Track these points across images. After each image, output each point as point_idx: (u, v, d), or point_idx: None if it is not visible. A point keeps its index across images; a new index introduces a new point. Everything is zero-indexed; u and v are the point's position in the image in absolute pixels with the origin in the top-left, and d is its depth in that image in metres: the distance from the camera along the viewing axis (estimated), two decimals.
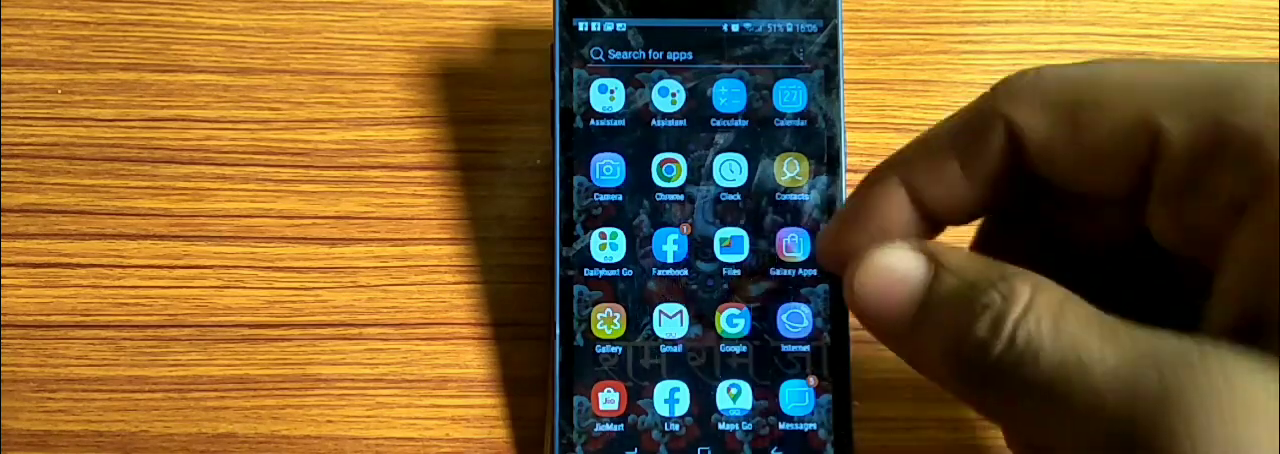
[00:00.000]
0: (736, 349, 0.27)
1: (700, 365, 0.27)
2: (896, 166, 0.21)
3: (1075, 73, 0.18)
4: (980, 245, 0.22)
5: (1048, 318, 0.16)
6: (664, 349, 0.27)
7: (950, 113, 0.21)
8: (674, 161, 0.28)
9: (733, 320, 0.28)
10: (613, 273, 0.28)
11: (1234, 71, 0.16)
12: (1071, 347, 0.16)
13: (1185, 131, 0.16)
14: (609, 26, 0.28)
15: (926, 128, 0.22)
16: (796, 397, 0.27)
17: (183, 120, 0.32)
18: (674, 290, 0.28)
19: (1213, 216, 0.17)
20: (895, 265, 0.18)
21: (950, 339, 0.17)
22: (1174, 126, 0.16)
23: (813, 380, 0.27)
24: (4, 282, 0.31)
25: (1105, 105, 0.17)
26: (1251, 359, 0.15)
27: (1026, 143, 0.19)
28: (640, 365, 0.27)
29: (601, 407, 0.27)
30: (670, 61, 0.28)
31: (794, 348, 0.27)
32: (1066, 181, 0.19)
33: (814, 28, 0.28)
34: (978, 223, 0.23)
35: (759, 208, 0.28)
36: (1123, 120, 0.17)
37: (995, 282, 0.17)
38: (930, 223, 0.21)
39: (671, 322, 0.28)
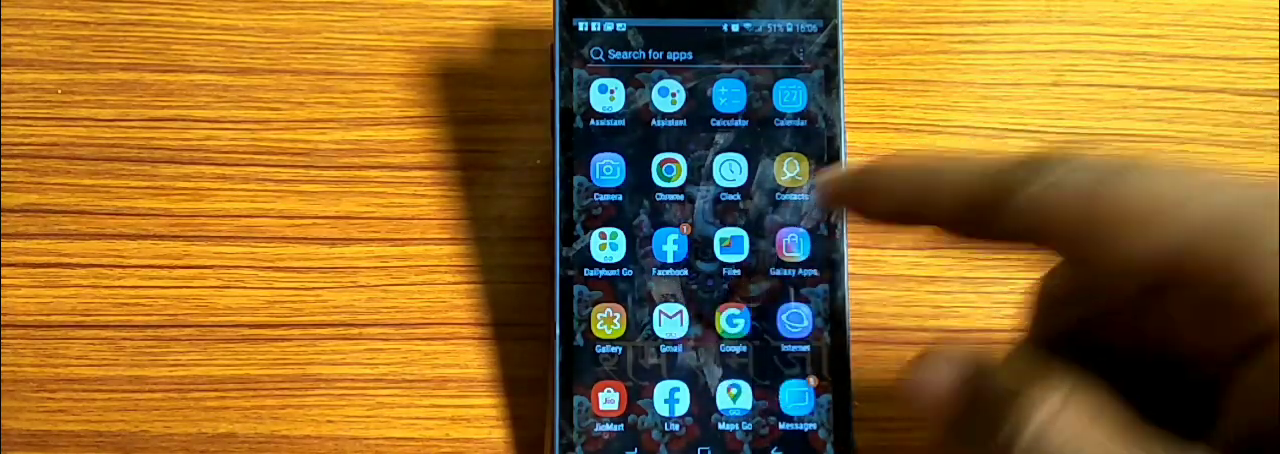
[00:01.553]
0: (736, 349, 0.27)
1: (700, 365, 0.27)
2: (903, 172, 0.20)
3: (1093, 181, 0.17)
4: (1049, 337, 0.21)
5: (1075, 427, 0.16)
6: (664, 349, 0.27)
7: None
8: (674, 161, 0.28)
9: (733, 320, 0.28)
10: (613, 273, 0.28)
11: (1256, 212, 0.16)
12: None
13: (1198, 273, 0.16)
14: (609, 26, 0.28)
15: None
16: (796, 397, 0.27)
17: (183, 120, 0.32)
18: (674, 290, 0.28)
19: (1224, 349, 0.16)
20: (943, 363, 0.18)
21: (978, 442, 0.17)
22: (1191, 266, 0.16)
23: (813, 380, 0.27)
24: (4, 282, 0.31)
25: (1122, 235, 0.17)
26: None
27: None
28: (640, 365, 0.27)
29: (601, 407, 0.27)
30: (670, 61, 0.28)
31: (794, 348, 0.27)
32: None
33: (814, 28, 0.28)
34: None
35: (759, 208, 0.28)
36: (1140, 254, 0.16)
37: (1028, 386, 0.17)
38: None
39: (671, 322, 0.28)
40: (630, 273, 0.28)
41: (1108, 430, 0.16)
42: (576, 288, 0.28)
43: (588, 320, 0.27)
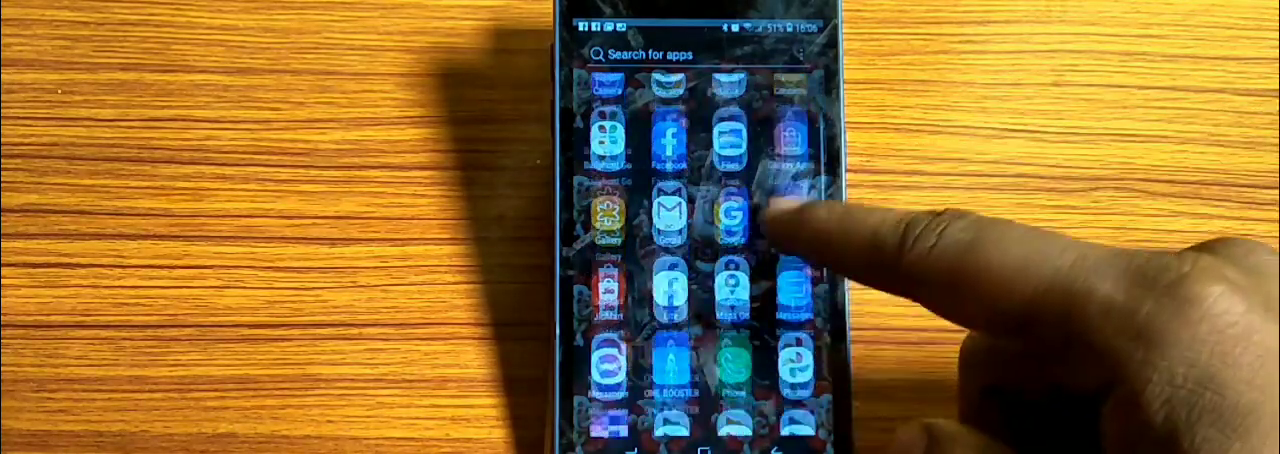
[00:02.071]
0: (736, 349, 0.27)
1: (701, 364, 0.27)
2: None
3: (964, 245, 0.20)
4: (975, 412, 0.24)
5: None
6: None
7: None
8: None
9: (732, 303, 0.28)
10: (615, 256, 0.28)
11: (1087, 274, 0.18)
12: None
13: (1045, 328, 0.18)
14: (609, 26, 0.28)
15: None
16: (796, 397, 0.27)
17: (183, 120, 0.32)
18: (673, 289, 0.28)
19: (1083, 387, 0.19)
20: (903, 439, 0.21)
21: None
22: (1037, 323, 0.19)
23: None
24: (4, 282, 0.31)
25: (984, 293, 0.19)
26: None
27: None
28: (640, 365, 0.27)
29: None
30: (670, 61, 0.28)
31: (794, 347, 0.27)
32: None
33: (814, 28, 0.28)
34: None
35: (759, 208, 0.28)
36: (995, 312, 0.19)
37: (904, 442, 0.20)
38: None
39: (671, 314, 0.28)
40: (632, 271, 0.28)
41: None
42: (576, 288, 0.28)
43: (588, 320, 0.27)
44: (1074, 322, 0.18)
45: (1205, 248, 0.19)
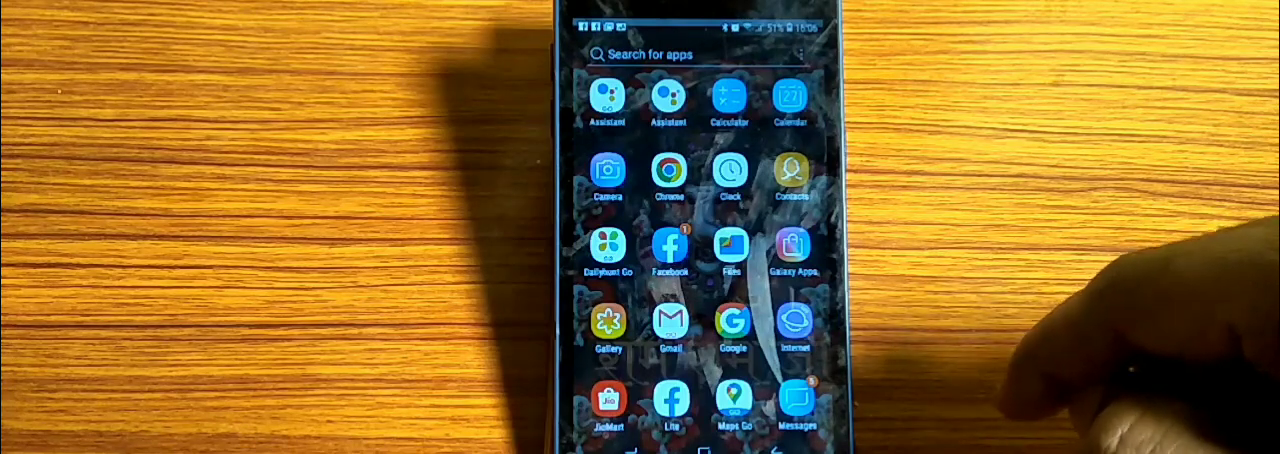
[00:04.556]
0: (736, 349, 0.27)
1: (700, 365, 0.27)
2: (1033, 361, 0.23)
3: (1151, 271, 0.20)
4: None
5: (1144, 448, 0.18)
6: (664, 349, 0.27)
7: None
8: (674, 162, 0.28)
9: (733, 320, 0.28)
10: (613, 273, 0.28)
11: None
12: None
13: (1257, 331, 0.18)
14: (609, 26, 0.28)
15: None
16: (796, 397, 0.27)
17: (183, 120, 0.32)
18: (674, 290, 0.28)
19: None
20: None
21: None
22: (1245, 326, 0.18)
23: (813, 380, 0.27)
24: (4, 282, 0.31)
25: (1178, 308, 0.19)
26: None
27: (1137, 342, 0.20)
28: (640, 365, 0.27)
29: (601, 407, 0.27)
30: (670, 61, 0.28)
31: (794, 348, 0.27)
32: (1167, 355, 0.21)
33: (814, 28, 0.28)
34: None
35: (759, 208, 0.28)
36: (1197, 321, 0.19)
37: (1103, 424, 0.19)
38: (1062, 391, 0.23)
39: (671, 322, 0.28)
40: (630, 273, 0.28)
41: (1176, 447, 0.18)
42: (576, 288, 0.28)
43: (588, 320, 0.27)
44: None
45: None
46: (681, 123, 0.28)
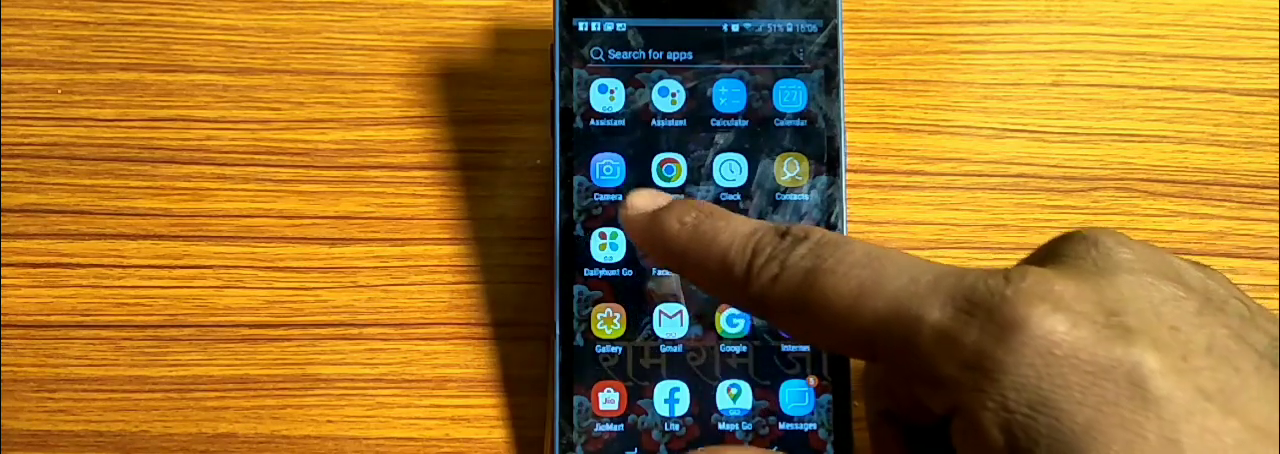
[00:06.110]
0: (736, 349, 0.27)
1: (700, 365, 0.27)
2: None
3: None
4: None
5: None
6: (664, 349, 0.27)
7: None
8: (674, 161, 0.28)
9: (733, 320, 0.28)
10: (613, 273, 0.28)
11: (919, 299, 0.18)
12: None
13: (890, 355, 0.18)
14: (609, 26, 0.28)
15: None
16: (796, 397, 0.27)
17: (183, 120, 0.32)
18: (674, 290, 0.28)
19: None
20: None
21: None
22: (882, 350, 0.18)
23: (813, 380, 0.27)
24: (4, 282, 0.31)
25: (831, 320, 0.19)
26: None
27: None
28: (640, 365, 0.27)
29: (601, 407, 0.27)
30: (670, 61, 0.28)
31: (794, 348, 0.27)
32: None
33: (814, 28, 0.28)
34: None
35: (759, 208, 0.28)
36: (843, 340, 0.19)
37: None
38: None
39: (671, 322, 0.28)
40: (630, 273, 0.28)
41: None
42: (576, 288, 0.28)
43: (588, 320, 0.27)
44: (910, 351, 0.17)
45: (1045, 253, 0.19)
46: (681, 123, 0.28)
